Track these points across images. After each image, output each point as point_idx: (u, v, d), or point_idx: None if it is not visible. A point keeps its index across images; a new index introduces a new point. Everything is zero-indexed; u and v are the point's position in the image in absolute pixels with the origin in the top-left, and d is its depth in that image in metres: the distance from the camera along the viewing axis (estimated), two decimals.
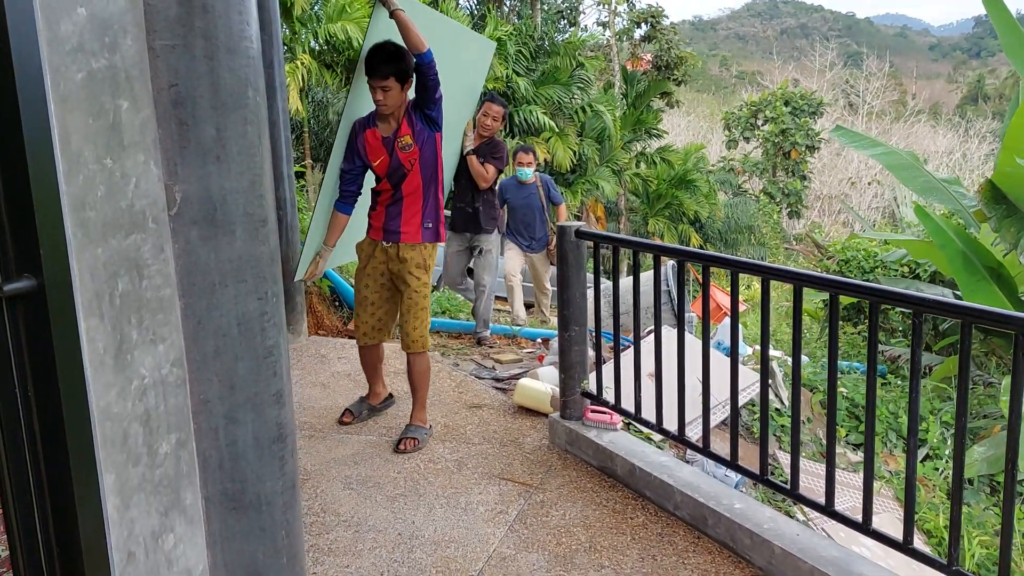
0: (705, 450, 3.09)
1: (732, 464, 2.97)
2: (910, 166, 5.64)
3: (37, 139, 1.10)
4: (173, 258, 1.37)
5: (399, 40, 3.40)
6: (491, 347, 5.53)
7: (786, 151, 25.25)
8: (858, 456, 4.47)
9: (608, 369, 3.70)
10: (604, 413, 3.67)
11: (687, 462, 3.52)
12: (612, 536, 2.99)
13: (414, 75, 3.39)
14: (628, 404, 3.46)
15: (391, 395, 4.12)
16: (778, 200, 25.02)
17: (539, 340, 5.95)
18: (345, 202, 3.66)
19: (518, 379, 4.81)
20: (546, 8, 20.29)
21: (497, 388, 4.75)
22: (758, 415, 4.68)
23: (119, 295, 1.26)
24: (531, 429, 4.02)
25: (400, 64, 3.33)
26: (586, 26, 21.23)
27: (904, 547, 2.42)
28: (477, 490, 3.37)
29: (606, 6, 22.05)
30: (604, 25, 21.79)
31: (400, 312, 3.71)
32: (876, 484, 3.94)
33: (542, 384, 4.30)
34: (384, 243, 3.61)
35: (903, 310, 6.33)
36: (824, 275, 2.76)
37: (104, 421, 1.23)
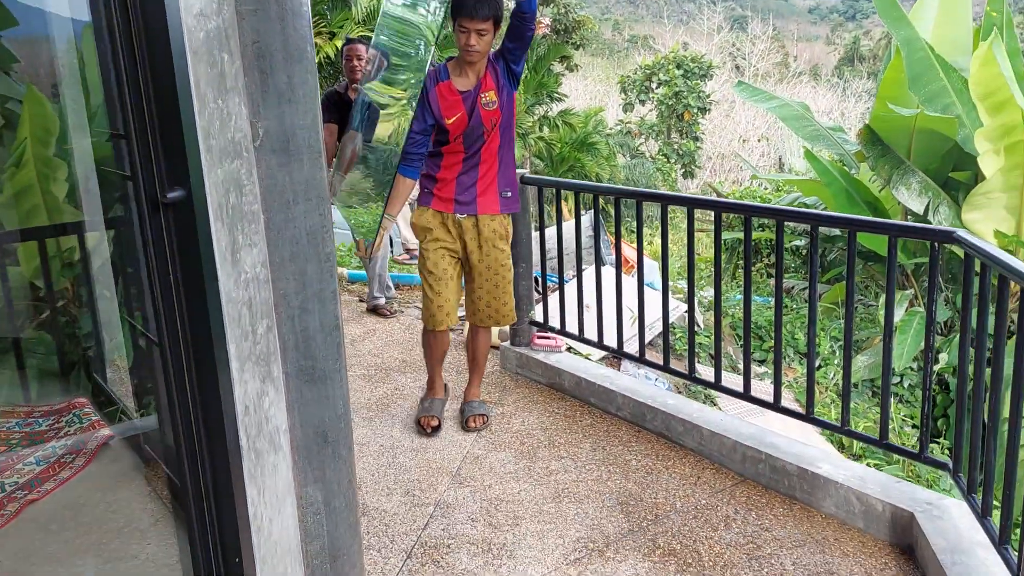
0: (641, 358, 3.62)
1: (665, 367, 3.51)
2: (801, 116, 6.35)
3: (182, 82, 1.45)
4: (258, 180, 1.73)
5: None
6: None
7: (679, 113, 26.15)
8: (763, 369, 5.14)
9: (552, 301, 4.19)
10: (550, 338, 4.16)
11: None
12: (566, 435, 3.49)
13: (513, 23, 3.03)
14: (572, 329, 3.97)
15: (446, 386, 3.78)
16: (673, 161, 26.00)
17: None
18: (411, 166, 3.18)
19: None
20: None
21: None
22: (680, 336, 5.30)
23: (230, 207, 1.62)
24: None
25: (499, 6, 2.98)
26: None
27: (807, 417, 3.01)
28: (444, 408, 3.80)
29: None
30: None
31: (483, 287, 3.39)
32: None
33: None
34: (457, 215, 3.25)
35: (797, 243, 7.12)
36: (740, 202, 3.31)
37: (227, 304, 1.60)
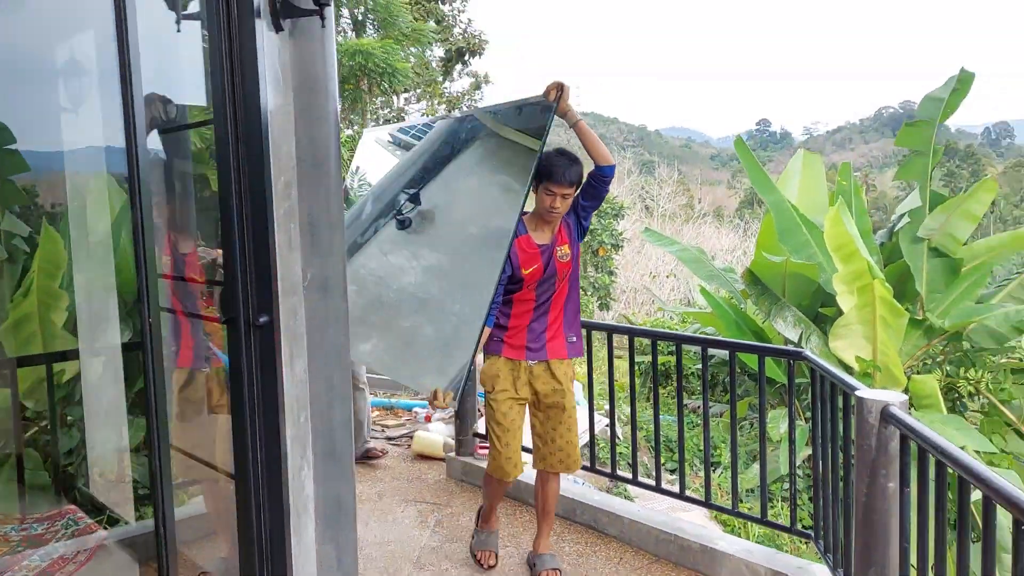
0: None
1: (592, 468, 4.18)
2: (698, 259, 7.43)
3: (271, 243, 2.16)
4: (305, 310, 2.42)
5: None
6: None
7: (594, 249, 27.78)
8: (673, 476, 5.84)
9: None
10: None
11: None
12: (509, 529, 4.07)
13: (591, 183, 3.25)
14: None
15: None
16: (590, 293, 27.37)
17: (414, 410, 6.99)
18: (491, 315, 3.19)
19: (408, 436, 5.84)
20: (375, 118, 21.82)
21: (392, 444, 5.73)
22: (603, 447, 5.98)
23: (290, 329, 2.29)
24: (429, 469, 5.05)
25: (582, 172, 3.17)
26: None
27: (706, 503, 3.72)
28: (399, 510, 4.34)
29: (429, 116, 24.01)
30: None
31: (556, 429, 3.41)
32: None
33: (435, 434, 5.36)
34: (528, 362, 3.34)
35: (699, 366, 8.06)
36: (648, 328, 4.12)
37: (286, 398, 2.25)
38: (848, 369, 6.12)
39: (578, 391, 6.31)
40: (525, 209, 3.16)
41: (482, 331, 3.05)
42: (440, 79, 22.82)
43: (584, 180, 3.21)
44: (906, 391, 6.05)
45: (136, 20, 1.81)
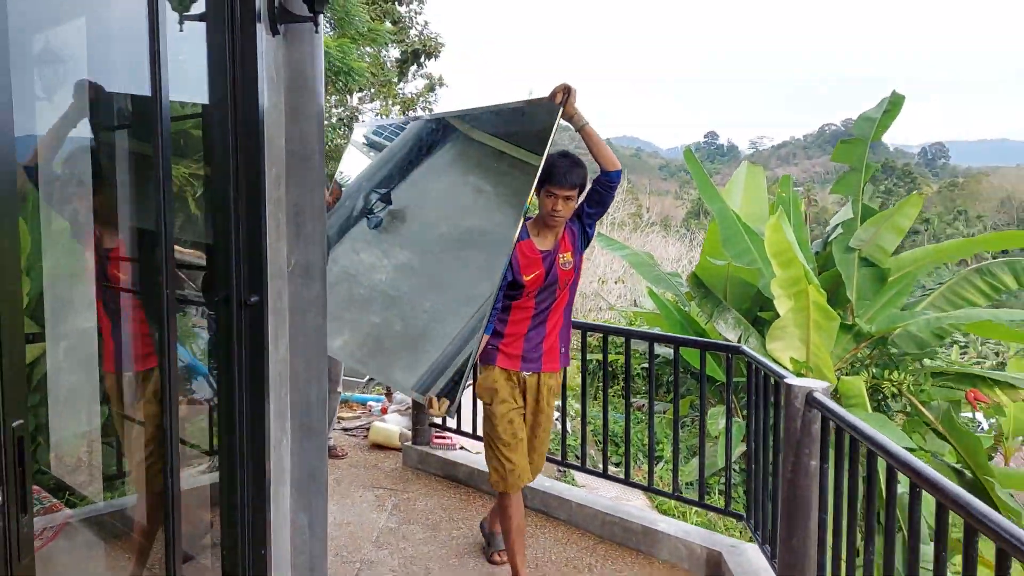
0: None
1: None
2: (646, 263, 7.78)
3: (262, 231, 2.34)
4: (288, 293, 2.61)
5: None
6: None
7: None
8: (619, 469, 6.13)
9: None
10: (446, 438, 5.00)
11: None
12: (463, 512, 4.29)
13: (596, 189, 3.17)
14: (466, 429, 4.84)
15: None
16: None
17: (368, 403, 7.15)
18: (490, 322, 3.13)
19: (364, 427, 6.01)
20: (328, 116, 21.79)
21: (348, 435, 5.89)
22: (553, 438, 6.22)
23: (275, 309, 2.48)
24: (385, 458, 5.23)
25: (585, 175, 3.10)
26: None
27: (648, 488, 3.99)
28: (358, 494, 4.52)
29: (383, 116, 24.04)
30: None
31: (531, 442, 3.39)
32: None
33: (391, 425, 5.54)
34: (524, 373, 3.26)
35: (645, 365, 8.41)
36: (599, 324, 4.38)
37: (269, 374, 2.43)
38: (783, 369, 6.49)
39: None
40: (529, 214, 3.11)
41: (480, 339, 3.01)
42: (395, 80, 22.86)
43: (589, 186, 3.17)
44: (835, 391, 6.45)
45: (167, 23, 1.98)
